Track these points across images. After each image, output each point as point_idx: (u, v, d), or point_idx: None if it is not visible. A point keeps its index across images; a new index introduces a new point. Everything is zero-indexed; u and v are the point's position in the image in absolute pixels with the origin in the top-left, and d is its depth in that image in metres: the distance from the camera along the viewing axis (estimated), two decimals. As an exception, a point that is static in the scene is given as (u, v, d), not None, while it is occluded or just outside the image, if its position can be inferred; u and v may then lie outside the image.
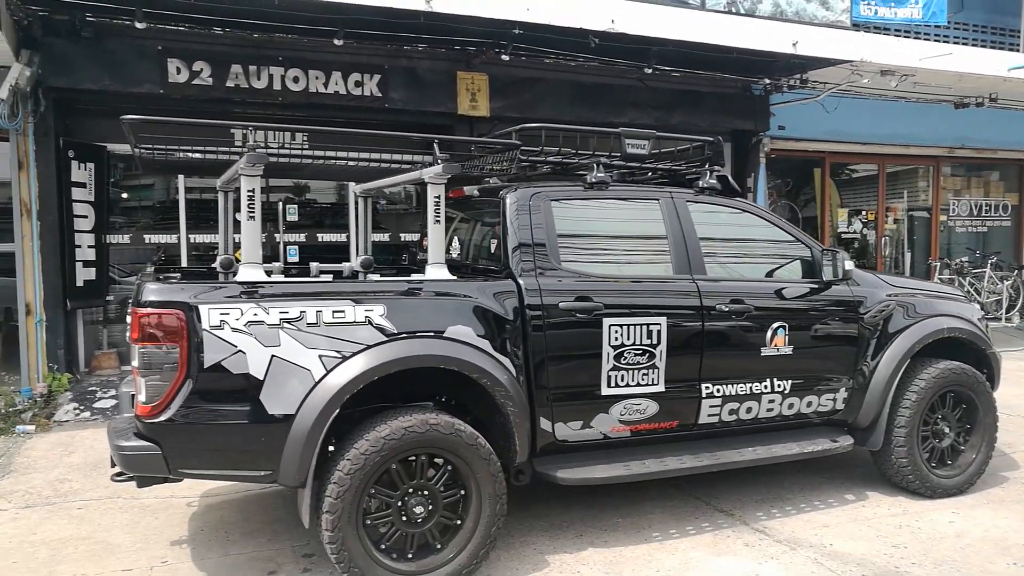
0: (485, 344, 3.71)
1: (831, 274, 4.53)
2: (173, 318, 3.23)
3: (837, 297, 4.64)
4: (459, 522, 3.64)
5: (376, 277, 4.27)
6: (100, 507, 4.76)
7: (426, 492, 3.57)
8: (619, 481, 4.09)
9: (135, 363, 3.29)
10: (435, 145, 3.80)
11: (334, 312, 3.44)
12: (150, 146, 3.58)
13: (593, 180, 4.23)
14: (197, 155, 3.78)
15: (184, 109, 7.28)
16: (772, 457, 4.45)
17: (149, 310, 3.23)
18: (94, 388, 7.25)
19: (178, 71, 7.18)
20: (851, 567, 3.88)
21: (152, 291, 3.28)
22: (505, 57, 7.77)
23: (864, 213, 12.41)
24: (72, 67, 6.83)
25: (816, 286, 4.62)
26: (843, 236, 12.28)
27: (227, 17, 7.02)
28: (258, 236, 3.51)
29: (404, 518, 3.53)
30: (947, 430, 4.88)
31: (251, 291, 3.38)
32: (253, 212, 3.46)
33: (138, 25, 6.47)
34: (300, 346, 3.37)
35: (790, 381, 4.48)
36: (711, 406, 4.29)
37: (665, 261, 4.31)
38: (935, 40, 10.16)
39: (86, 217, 7.53)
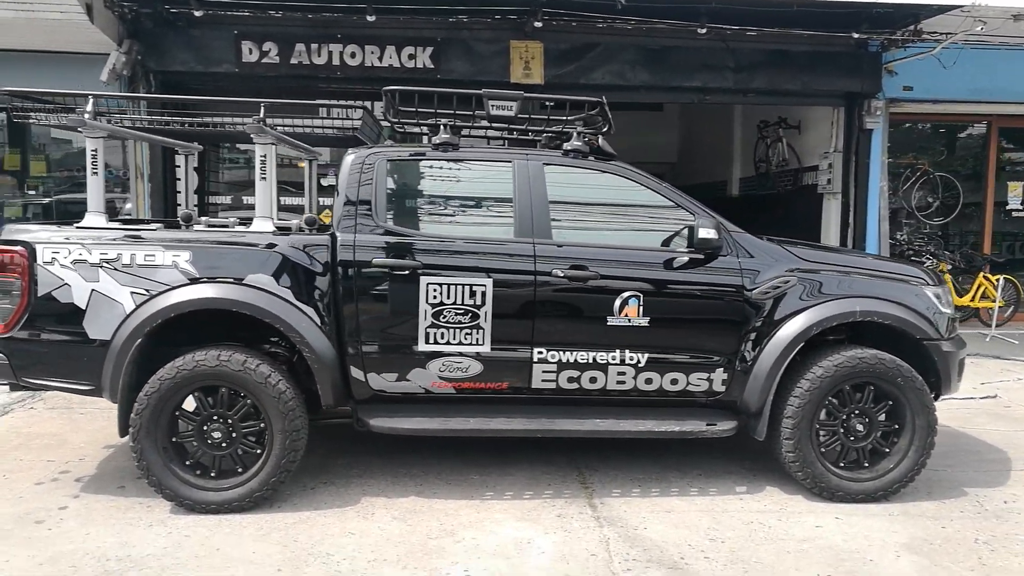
0: (286, 293, 4.01)
1: (687, 243, 4.17)
2: (17, 254, 3.95)
3: (717, 268, 4.25)
4: (259, 451, 4.03)
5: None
6: (96, 415, 5.77)
7: (228, 421, 4.00)
8: (429, 434, 4.18)
9: (-6, 289, 4.09)
10: (261, 107, 4.14)
11: (146, 256, 3.96)
12: (23, 114, 4.35)
13: (438, 141, 4.31)
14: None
15: (255, 86, 8.23)
16: (618, 431, 4.23)
17: (1, 247, 3.99)
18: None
19: (250, 52, 8.12)
20: (635, 551, 3.65)
21: (5, 231, 4.04)
22: (538, 24, 7.74)
23: (1043, 187, 10.41)
24: (165, 52, 8.04)
25: (697, 256, 4.26)
26: (1014, 214, 10.43)
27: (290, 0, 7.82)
28: (102, 188, 4.13)
29: (207, 441, 3.99)
30: (860, 428, 4.26)
31: (82, 234, 4.00)
32: (96, 169, 4.08)
33: (196, 13, 7.47)
34: (115, 283, 3.94)
35: (645, 355, 4.21)
36: (545, 371, 4.19)
37: (508, 224, 4.26)
38: None
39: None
